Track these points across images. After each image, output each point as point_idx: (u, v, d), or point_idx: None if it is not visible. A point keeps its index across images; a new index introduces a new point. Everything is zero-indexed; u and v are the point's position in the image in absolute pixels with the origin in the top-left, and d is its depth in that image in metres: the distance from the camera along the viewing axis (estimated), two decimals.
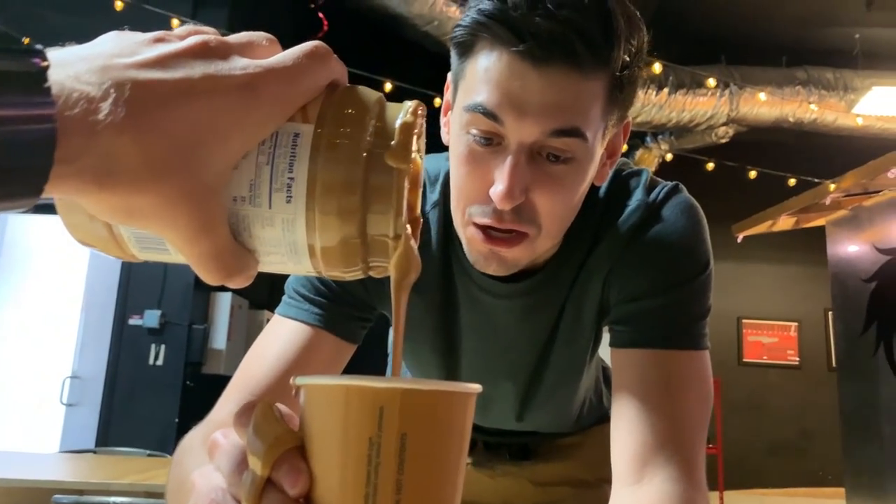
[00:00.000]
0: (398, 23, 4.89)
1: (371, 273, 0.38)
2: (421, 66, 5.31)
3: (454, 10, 4.77)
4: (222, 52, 0.32)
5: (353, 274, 0.38)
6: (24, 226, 6.03)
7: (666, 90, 5.75)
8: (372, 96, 0.36)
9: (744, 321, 7.94)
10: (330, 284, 0.78)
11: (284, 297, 0.80)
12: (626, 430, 0.72)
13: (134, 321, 4.68)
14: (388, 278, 0.38)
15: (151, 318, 4.62)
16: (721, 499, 5.59)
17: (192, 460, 0.58)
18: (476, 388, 0.35)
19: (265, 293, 5.40)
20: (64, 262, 5.66)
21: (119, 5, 3.88)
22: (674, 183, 0.81)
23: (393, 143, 0.35)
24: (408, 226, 0.36)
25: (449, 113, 0.74)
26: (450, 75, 0.73)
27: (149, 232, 0.33)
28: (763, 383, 7.79)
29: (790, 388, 7.79)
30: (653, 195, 0.78)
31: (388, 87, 4.61)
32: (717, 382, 5.91)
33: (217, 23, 4.41)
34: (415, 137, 0.36)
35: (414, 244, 0.38)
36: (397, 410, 0.32)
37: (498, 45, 0.63)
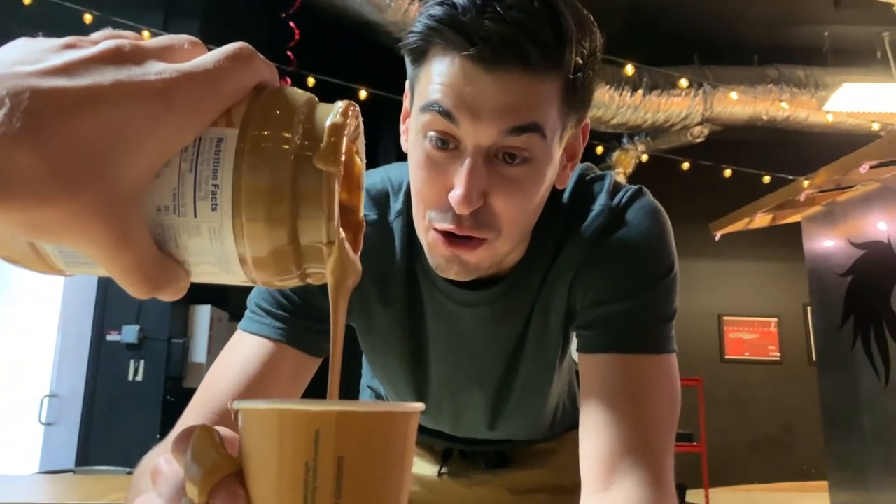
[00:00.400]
0: (371, 30, 4.88)
1: (309, 280, 0.37)
2: (395, 72, 5.30)
3: None
4: (137, 57, 0.30)
5: (289, 282, 0.36)
6: None
7: (640, 91, 5.79)
8: (300, 97, 0.35)
9: (724, 318, 8.00)
10: (292, 298, 0.77)
11: (247, 312, 0.79)
12: (592, 436, 0.71)
13: (112, 337, 4.62)
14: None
15: (130, 333, 4.57)
16: (706, 496, 5.61)
17: (145, 483, 0.57)
18: (417, 406, 0.34)
19: (244, 306, 5.35)
20: (39, 278, 5.58)
21: (88, 18, 3.85)
22: (637, 186, 0.81)
23: (322, 145, 0.33)
24: (342, 230, 0.35)
25: (408, 120, 0.74)
26: (407, 82, 0.73)
27: (63, 247, 0.32)
28: (745, 380, 7.85)
29: (772, 383, 7.86)
30: (616, 199, 0.78)
31: (363, 94, 4.61)
32: (699, 380, 5.94)
33: (189, 34, 4.37)
34: (346, 139, 0.34)
35: (349, 248, 0.36)
36: (333, 433, 0.31)
37: (450, 49, 0.64)
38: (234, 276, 0.35)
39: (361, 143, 0.39)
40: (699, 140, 6.34)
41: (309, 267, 0.35)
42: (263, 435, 0.33)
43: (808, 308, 7.22)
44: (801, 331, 7.96)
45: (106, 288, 4.72)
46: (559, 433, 1.03)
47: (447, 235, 0.68)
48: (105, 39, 0.31)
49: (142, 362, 4.58)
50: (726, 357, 7.97)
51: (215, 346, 4.83)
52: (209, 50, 0.34)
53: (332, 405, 0.32)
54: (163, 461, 0.37)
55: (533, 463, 1.01)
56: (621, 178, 6.46)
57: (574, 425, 1.02)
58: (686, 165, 6.26)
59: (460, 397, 0.88)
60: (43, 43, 0.30)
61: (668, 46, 6.06)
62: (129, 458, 3.49)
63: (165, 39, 0.33)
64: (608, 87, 5.59)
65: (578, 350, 0.77)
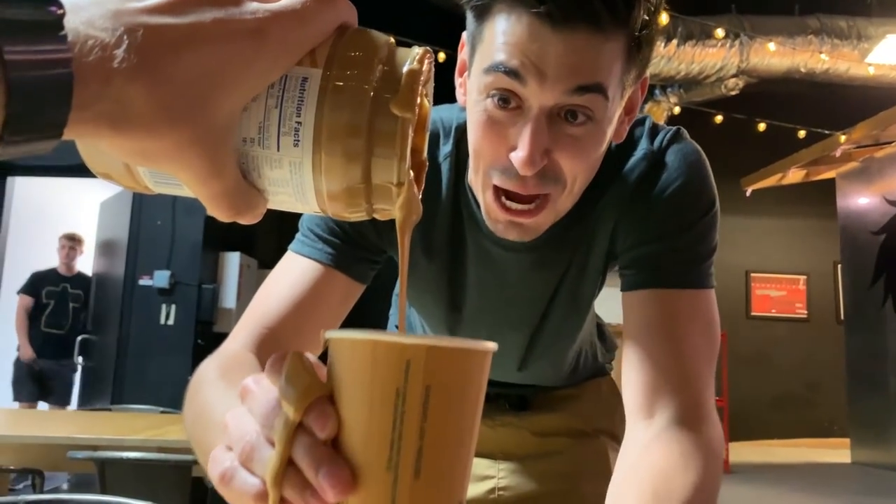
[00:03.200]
0: None
1: (375, 215, 0.39)
2: (421, 18, 5.22)
3: None
4: None
5: (357, 215, 0.39)
6: (32, 191, 6.07)
7: (675, 42, 5.65)
8: (381, 40, 0.37)
9: (752, 275, 7.94)
10: (343, 226, 0.79)
11: (298, 235, 0.81)
12: (634, 368, 0.74)
13: (144, 282, 4.73)
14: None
15: (161, 278, 4.67)
16: (727, 450, 5.66)
17: (211, 391, 0.60)
18: (492, 346, 0.37)
19: (273, 252, 5.43)
20: (71, 225, 5.70)
21: None
22: (676, 128, 0.82)
23: (399, 90, 0.35)
24: (411, 171, 0.38)
25: (465, 73, 0.74)
26: (465, 35, 0.72)
27: (162, 171, 0.34)
28: (770, 336, 7.82)
29: (797, 340, 7.82)
30: (656, 142, 0.80)
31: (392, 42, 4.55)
32: (724, 336, 5.94)
33: None
34: (421, 85, 0.36)
35: (416, 190, 0.39)
36: (423, 364, 0.35)
37: (517, 7, 0.63)
38: (307, 206, 0.38)
39: (430, 87, 0.41)
40: (733, 93, 6.19)
41: (377, 203, 0.38)
42: (357, 363, 0.35)
43: (839, 266, 7.13)
44: (830, 289, 7.88)
45: (137, 234, 4.82)
46: (582, 381, 1.05)
47: (505, 200, 0.69)
48: None
49: (173, 307, 4.69)
50: (752, 313, 7.92)
51: (245, 293, 4.92)
52: None
53: (423, 339, 0.35)
54: (251, 382, 0.39)
55: (554, 408, 1.03)
56: None
57: (594, 374, 1.06)
58: (719, 119, 6.13)
59: (494, 339, 0.90)
60: None
61: None
62: (160, 397, 3.60)
63: None
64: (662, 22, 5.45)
65: (622, 290, 0.79)
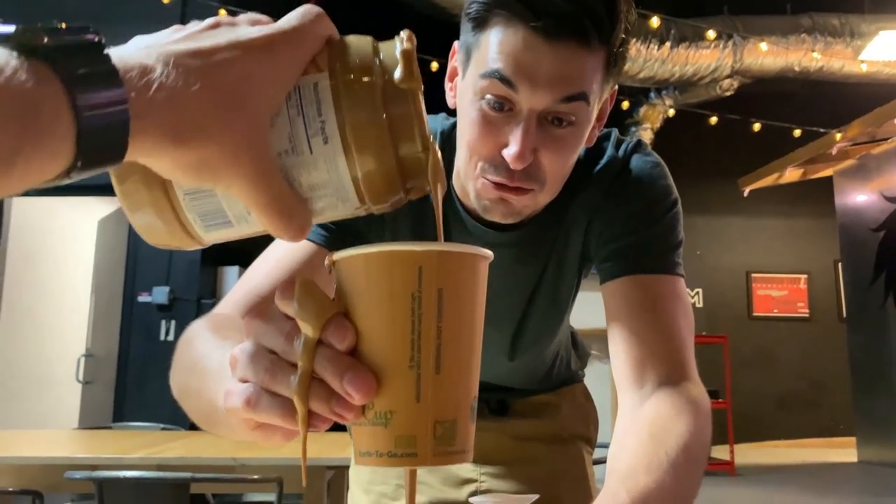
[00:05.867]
0: None
1: (411, 195, 0.43)
2: (412, 29, 5.23)
3: None
4: (233, 24, 0.38)
5: (396, 201, 0.42)
6: (31, 209, 6.07)
7: (668, 44, 5.66)
8: (366, 40, 0.41)
9: (753, 275, 7.93)
10: None
11: None
12: (622, 345, 0.80)
13: (143, 298, 4.72)
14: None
15: (160, 294, 4.66)
16: (731, 452, 5.63)
17: (205, 344, 0.61)
18: (490, 254, 0.42)
19: None
20: (70, 243, 5.70)
21: None
22: (636, 139, 0.91)
23: (400, 69, 0.39)
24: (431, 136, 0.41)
25: (456, 79, 0.82)
26: (457, 44, 0.80)
27: (218, 187, 0.37)
28: (773, 336, 7.80)
29: (800, 340, 7.80)
30: (621, 151, 0.89)
31: None
32: (725, 338, 5.92)
33: (211, 7, 4.36)
34: (415, 59, 0.40)
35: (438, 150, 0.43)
36: (435, 269, 0.38)
37: (514, 20, 0.70)
38: (349, 205, 0.41)
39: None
40: (728, 93, 6.20)
41: (410, 181, 0.41)
42: (373, 274, 0.39)
43: (839, 264, 7.12)
44: (831, 287, 7.86)
45: (136, 250, 4.81)
46: (557, 387, 1.10)
47: (497, 185, 0.76)
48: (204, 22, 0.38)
49: (172, 322, 4.68)
50: (754, 314, 7.91)
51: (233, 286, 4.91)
52: None
53: (433, 246, 0.39)
54: (254, 314, 0.42)
55: (532, 413, 1.08)
56: (648, 134, 6.37)
57: (568, 381, 1.12)
58: (714, 120, 6.13)
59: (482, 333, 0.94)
60: (171, 28, 0.37)
61: None
62: (161, 414, 3.58)
63: (245, 16, 0.40)
64: (634, 40, 5.46)
65: (601, 282, 0.86)
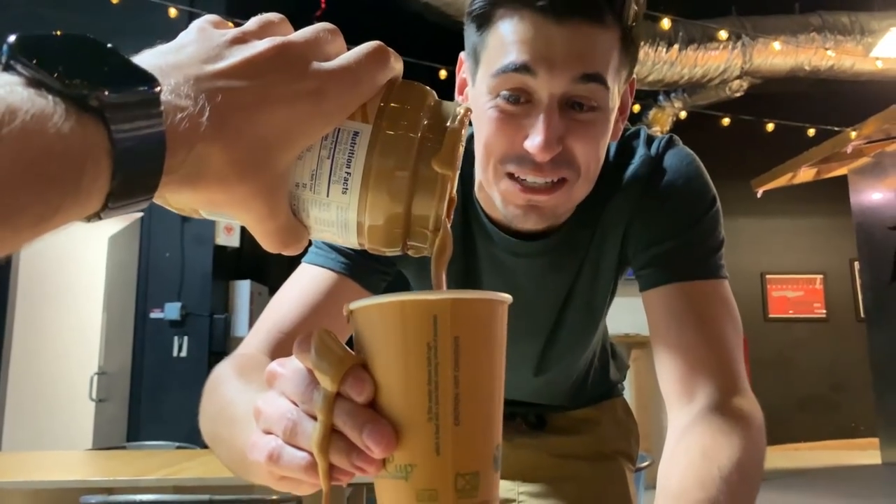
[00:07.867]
0: None
1: (410, 252, 0.42)
2: (422, 37, 5.23)
3: None
4: (293, 55, 0.36)
5: (393, 251, 0.42)
6: None
7: (676, 46, 5.62)
8: (426, 93, 0.40)
9: (768, 277, 7.85)
10: None
11: (311, 247, 0.84)
12: (668, 358, 0.77)
13: (155, 315, 4.70)
14: None
15: (172, 310, 4.64)
16: None
17: (231, 388, 0.61)
18: (508, 298, 0.41)
19: (283, 278, 5.40)
20: (81, 260, 5.70)
21: None
22: (669, 135, 0.88)
23: (441, 148, 0.38)
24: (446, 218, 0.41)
25: (466, 89, 0.79)
26: (463, 54, 0.77)
27: (223, 217, 0.38)
28: (790, 338, 7.71)
29: (818, 341, 7.71)
30: (653, 149, 0.85)
31: None
32: (744, 340, 5.84)
33: (216, 8, 4.36)
34: (462, 144, 0.39)
35: (450, 230, 0.42)
36: (449, 317, 0.38)
37: (519, 8, 0.68)
38: (348, 242, 0.41)
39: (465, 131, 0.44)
40: (738, 94, 6.14)
41: (412, 243, 0.41)
42: (388, 324, 0.38)
43: (856, 263, 7.03)
44: (848, 287, 7.77)
45: (147, 267, 4.80)
46: (594, 401, 1.06)
47: (524, 182, 0.72)
48: (260, 27, 0.37)
49: (185, 338, 4.65)
50: (770, 316, 7.82)
51: (257, 320, 4.89)
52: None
53: (447, 294, 0.38)
54: (276, 365, 0.42)
55: (572, 430, 1.04)
56: None
57: (608, 395, 1.07)
58: (726, 121, 6.08)
59: (510, 347, 0.91)
60: (215, 36, 0.35)
61: None
62: (176, 432, 3.55)
63: (310, 32, 0.38)
64: (643, 42, 5.42)
65: (641, 290, 0.82)
